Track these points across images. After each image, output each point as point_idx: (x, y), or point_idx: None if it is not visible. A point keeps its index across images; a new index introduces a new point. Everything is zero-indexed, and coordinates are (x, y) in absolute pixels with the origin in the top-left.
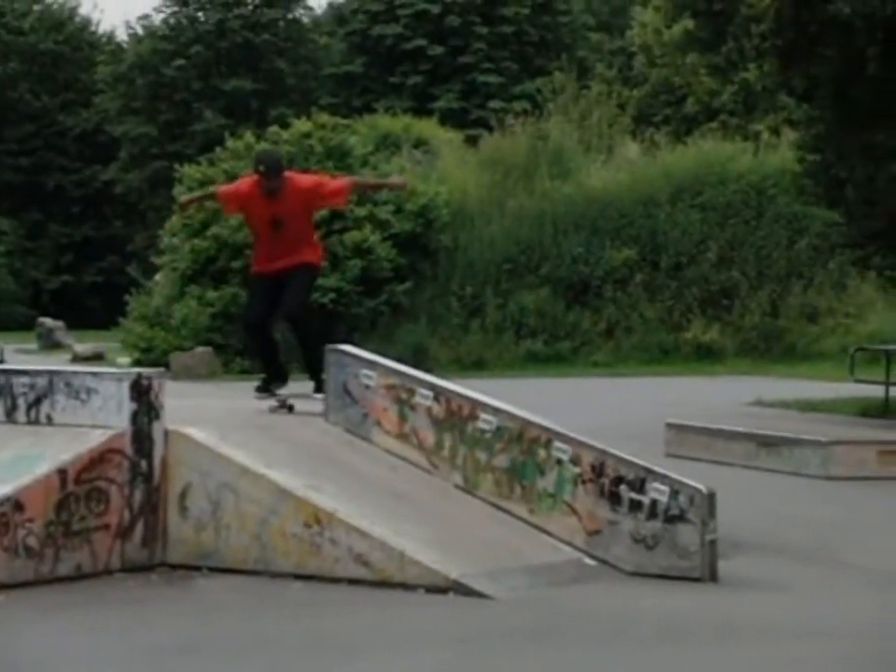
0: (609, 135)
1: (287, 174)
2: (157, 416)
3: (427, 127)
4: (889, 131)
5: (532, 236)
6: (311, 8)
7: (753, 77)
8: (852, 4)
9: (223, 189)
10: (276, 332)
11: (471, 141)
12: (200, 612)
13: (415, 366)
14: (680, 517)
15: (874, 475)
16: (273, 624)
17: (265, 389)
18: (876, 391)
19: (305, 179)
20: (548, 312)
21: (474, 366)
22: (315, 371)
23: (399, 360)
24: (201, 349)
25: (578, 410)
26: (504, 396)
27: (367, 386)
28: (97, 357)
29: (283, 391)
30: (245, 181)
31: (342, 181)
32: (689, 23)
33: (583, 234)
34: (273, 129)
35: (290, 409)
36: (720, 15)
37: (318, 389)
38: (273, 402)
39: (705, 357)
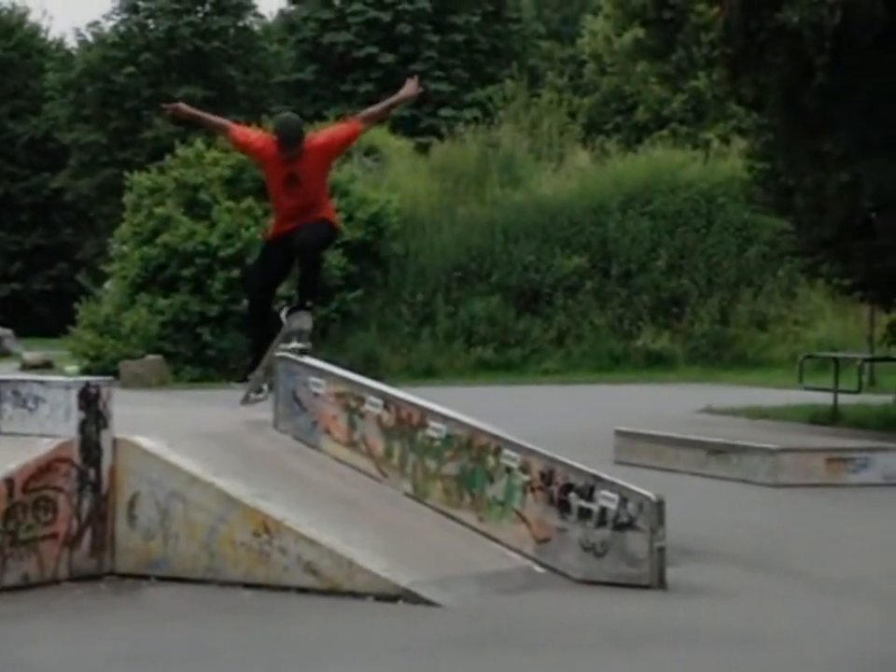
0: (560, 143)
1: (308, 135)
2: (105, 425)
3: (378, 134)
4: (838, 139)
5: (483, 244)
6: (261, 16)
7: (703, 85)
8: (800, 13)
9: (238, 130)
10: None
11: (422, 149)
12: (148, 621)
13: (366, 374)
14: (629, 525)
15: (822, 482)
16: (222, 633)
17: (246, 379)
18: (825, 398)
19: (320, 138)
20: (498, 319)
21: (425, 374)
22: (305, 294)
23: (350, 368)
24: (150, 357)
25: (528, 417)
26: (454, 404)
27: (316, 394)
28: (46, 366)
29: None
30: (263, 136)
31: (350, 125)
32: (639, 32)
33: (534, 242)
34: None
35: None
36: (669, 23)
37: (296, 309)
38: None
39: (655, 364)
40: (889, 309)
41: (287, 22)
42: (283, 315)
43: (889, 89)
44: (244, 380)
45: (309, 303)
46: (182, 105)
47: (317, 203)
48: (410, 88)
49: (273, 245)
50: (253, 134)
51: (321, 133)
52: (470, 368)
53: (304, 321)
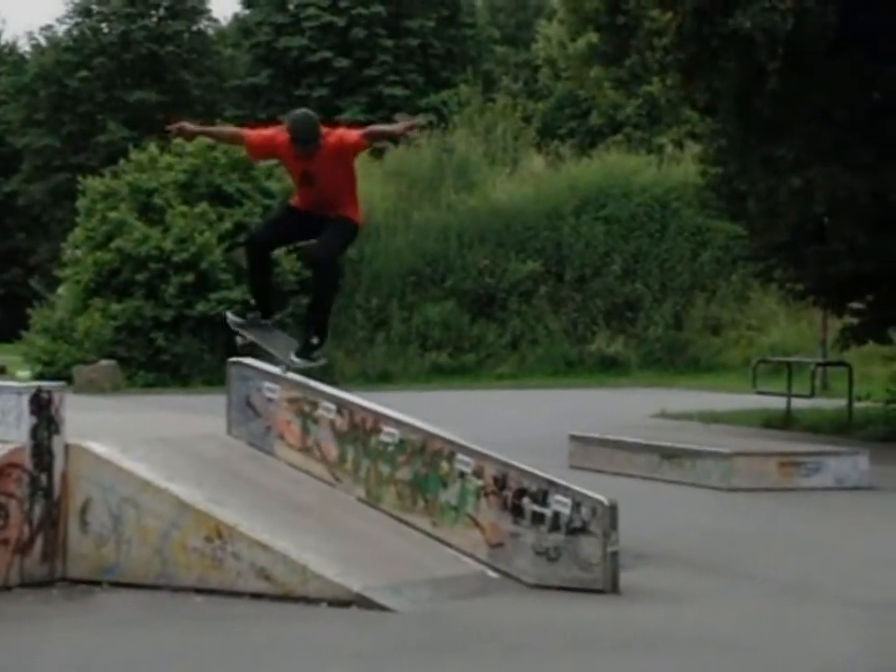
0: (514, 148)
1: (324, 132)
2: (57, 430)
3: None
4: (790, 145)
5: (437, 248)
6: (216, 20)
7: (657, 90)
8: (753, 19)
9: (253, 134)
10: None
11: (377, 153)
12: (100, 627)
13: (320, 379)
14: (582, 529)
15: (775, 486)
16: (174, 639)
17: (242, 314)
18: (779, 402)
19: (332, 137)
20: (453, 324)
21: (379, 378)
22: (313, 327)
23: (305, 374)
24: (104, 362)
25: (482, 422)
26: (409, 408)
27: (270, 400)
28: None
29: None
30: (281, 132)
31: (357, 136)
32: (593, 37)
33: (488, 247)
34: (178, 141)
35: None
36: (623, 29)
37: (303, 351)
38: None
39: (609, 368)
40: (842, 313)
41: (241, 27)
42: (292, 356)
43: (841, 95)
44: (242, 315)
45: (316, 340)
46: (186, 125)
47: (338, 201)
48: (400, 125)
49: (293, 210)
50: (267, 132)
51: (334, 133)
52: (425, 373)
53: (320, 358)
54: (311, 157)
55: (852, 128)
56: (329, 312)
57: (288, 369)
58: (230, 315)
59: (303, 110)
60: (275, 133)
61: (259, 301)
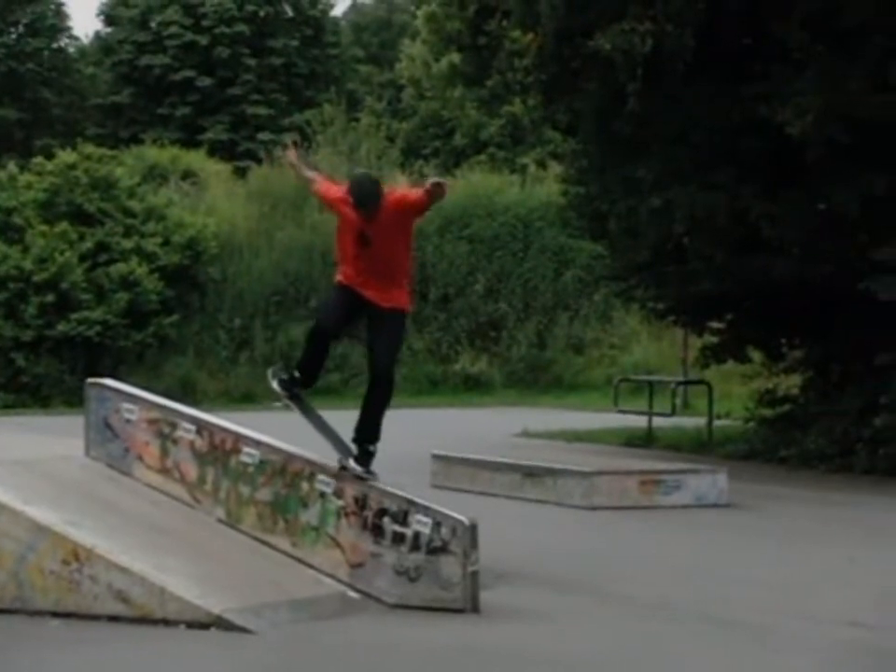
0: (379, 168)
1: (385, 192)
2: None
3: (196, 158)
4: (650, 165)
5: (301, 268)
6: (77, 38)
7: (519, 110)
8: (612, 40)
9: (323, 188)
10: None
11: (240, 173)
12: None
13: (183, 399)
14: (443, 549)
15: (636, 505)
16: (28, 663)
17: (288, 387)
18: (640, 421)
19: (392, 199)
20: None
21: (243, 399)
22: (367, 434)
23: (167, 394)
24: None
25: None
26: (271, 429)
27: (128, 420)
28: None
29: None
30: (343, 189)
31: (420, 195)
32: (455, 57)
33: None
34: (38, 159)
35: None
36: (484, 49)
37: (363, 459)
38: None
39: (473, 388)
40: (702, 332)
41: (102, 45)
42: (351, 462)
43: (699, 116)
44: (287, 386)
45: (373, 448)
46: (294, 152)
47: (392, 273)
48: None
49: (347, 289)
50: (334, 188)
51: (395, 194)
52: None
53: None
54: (371, 219)
55: (711, 148)
56: (383, 414)
57: (344, 469)
58: (275, 385)
59: (364, 172)
60: (339, 190)
61: (307, 374)
